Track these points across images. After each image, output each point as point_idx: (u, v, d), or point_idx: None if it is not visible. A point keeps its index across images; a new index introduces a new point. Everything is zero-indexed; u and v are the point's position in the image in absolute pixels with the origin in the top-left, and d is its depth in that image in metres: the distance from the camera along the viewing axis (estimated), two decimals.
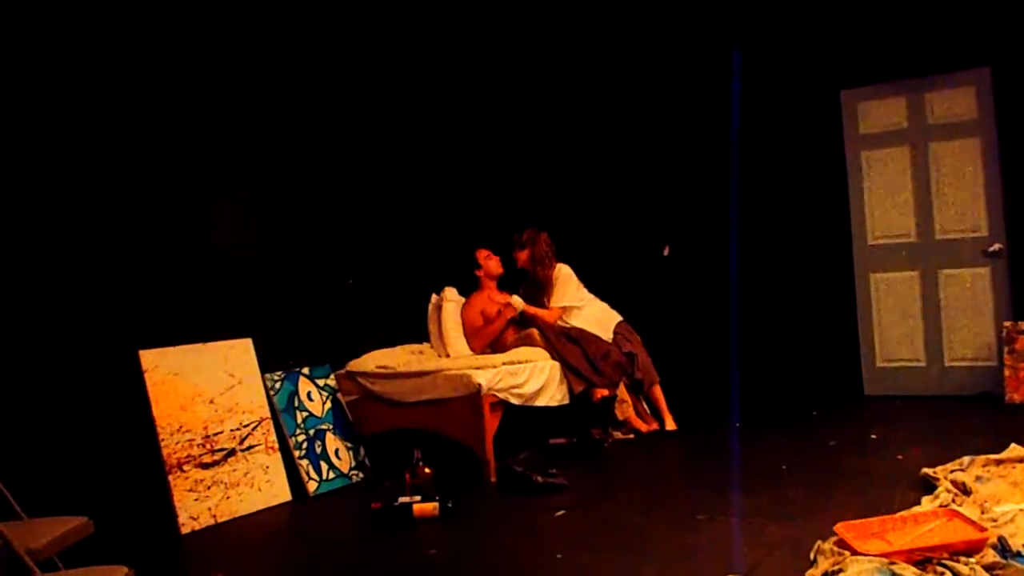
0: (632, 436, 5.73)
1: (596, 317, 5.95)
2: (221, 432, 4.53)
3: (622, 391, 5.75)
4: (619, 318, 6.03)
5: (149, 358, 4.32)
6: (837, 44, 6.55)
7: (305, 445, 4.92)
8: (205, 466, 4.39)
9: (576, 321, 5.86)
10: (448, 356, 5.65)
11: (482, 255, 6.03)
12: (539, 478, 4.49)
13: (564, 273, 5.97)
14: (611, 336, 5.85)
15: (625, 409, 5.78)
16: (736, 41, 6.88)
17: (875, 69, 6.43)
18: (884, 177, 6.48)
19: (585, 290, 6.07)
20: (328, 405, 5.19)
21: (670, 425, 5.83)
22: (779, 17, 6.76)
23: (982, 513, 3.28)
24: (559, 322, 5.84)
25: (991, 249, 6.10)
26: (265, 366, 4.89)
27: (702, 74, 7.10)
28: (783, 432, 5.55)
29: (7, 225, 3.88)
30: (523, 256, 6.05)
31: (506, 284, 6.07)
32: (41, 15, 4.03)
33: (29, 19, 3.99)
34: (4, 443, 3.55)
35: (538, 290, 5.97)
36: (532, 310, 5.84)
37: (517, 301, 5.82)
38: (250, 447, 4.64)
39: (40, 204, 4.02)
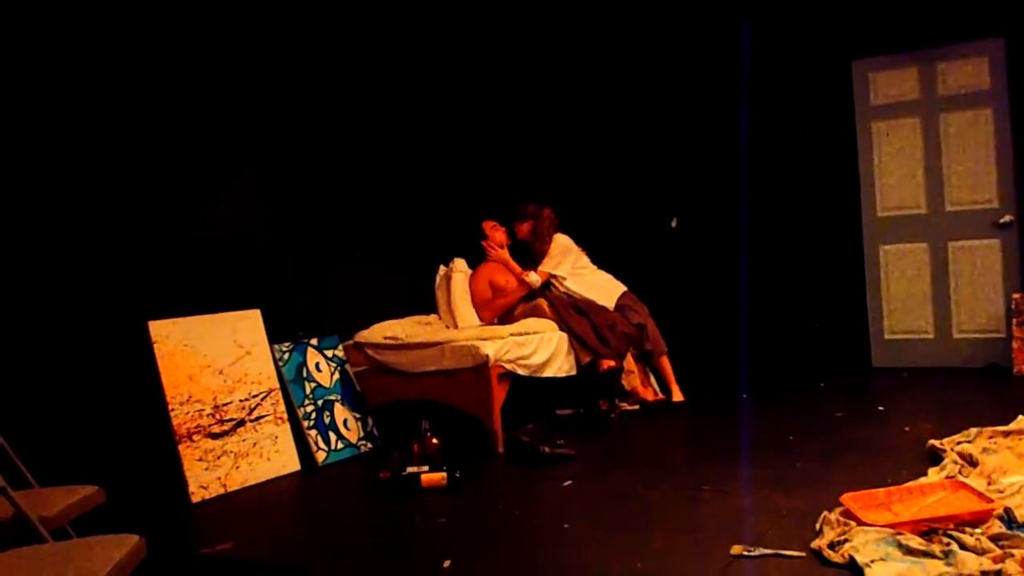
0: (638, 407, 5.74)
1: (600, 286, 5.94)
2: (230, 402, 4.56)
3: (628, 361, 5.75)
4: (624, 289, 6.01)
5: (158, 329, 4.34)
6: (848, 14, 6.48)
7: (314, 415, 4.94)
8: (215, 436, 4.42)
9: (579, 288, 5.85)
10: (456, 327, 5.66)
11: (488, 226, 6.03)
12: (546, 449, 4.51)
13: (560, 243, 5.96)
14: (613, 305, 5.84)
15: (631, 380, 5.78)
16: (746, 11, 6.81)
17: (887, 39, 6.37)
18: (895, 148, 6.43)
19: (587, 259, 6.07)
20: (336, 376, 5.21)
21: (677, 396, 5.84)
22: None
23: (988, 484, 3.29)
24: (561, 288, 5.84)
25: (1002, 221, 6.07)
26: (273, 337, 4.90)
27: (712, 44, 7.04)
28: (790, 404, 5.56)
29: (20, 199, 3.89)
30: (524, 228, 6.05)
31: (510, 254, 6.05)
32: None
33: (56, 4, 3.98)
34: (16, 413, 3.57)
35: (535, 264, 5.96)
36: (515, 268, 5.87)
37: (534, 278, 5.81)
38: (259, 417, 4.67)
39: (52, 178, 4.02)
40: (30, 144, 3.96)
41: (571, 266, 5.92)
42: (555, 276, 5.87)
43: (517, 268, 5.90)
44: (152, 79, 4.48)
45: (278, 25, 5.18)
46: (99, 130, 4.23)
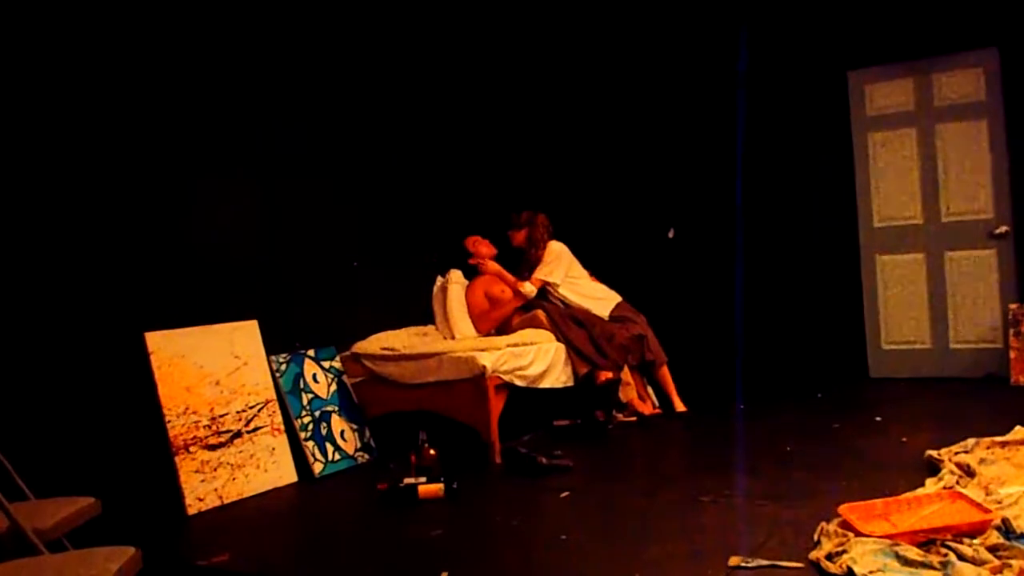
0: (635, 418, 5.73)
1: (594, 295, 5.94)
2: (227, 414, 4.55)
3: (625, 373, 5.75)
4: (619, 299, 6.01)
5: (155, 340, 4.33)
6: (844, 24, 6.51)
7: (311, 427, 4.93)
8: (211, 447, 4.40)
9: (573, 296, 5.85)
10: (453, 338, 5.65)
11: (470, 243, 6.04)
12: (543, 460, 4.51)
13: (554, 250, 5.96)
14: (608, 315, 5.84)
15: (628, 391, 5.78)
16: (743, 21, 6.83)
17: (882, 50, 6.40)
18: (891, 159, 6.46)
19: (581, 268, 6.06)
20: (333, 387, 5.20)
21: (679, 407, 5.81)
22: None
23: (986, 495, 3.29)
24: (555, 296, 5.84)
25: (997, 231, 6.08)
26: (271, 348, 4.90)
27: (708, 54, 7.06)
28: (788, 414, 5.55)
29: (15, 209, 3.89)
30: (519, 236, 6.06)
31: (502, 263, 6.05)
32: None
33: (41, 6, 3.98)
34: (12, 425, 3.57)
35: (530, 271, 5.97)
36: (508, 278, 5.88)
37: (529, 288, 5.81)
38: (256, 428, 4.66)
39: (47, 188, 4.02)
40: (25, 154, 3.95)
41: (564, 274, 5.92)
42: (549, 283, 5.88)
43: (511, 278, 5.91)
44: (149, 83, 4.48)
45: (277, 38, 5.19)
46: (94, 140, 4.23)
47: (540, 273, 5.88)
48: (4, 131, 3.87)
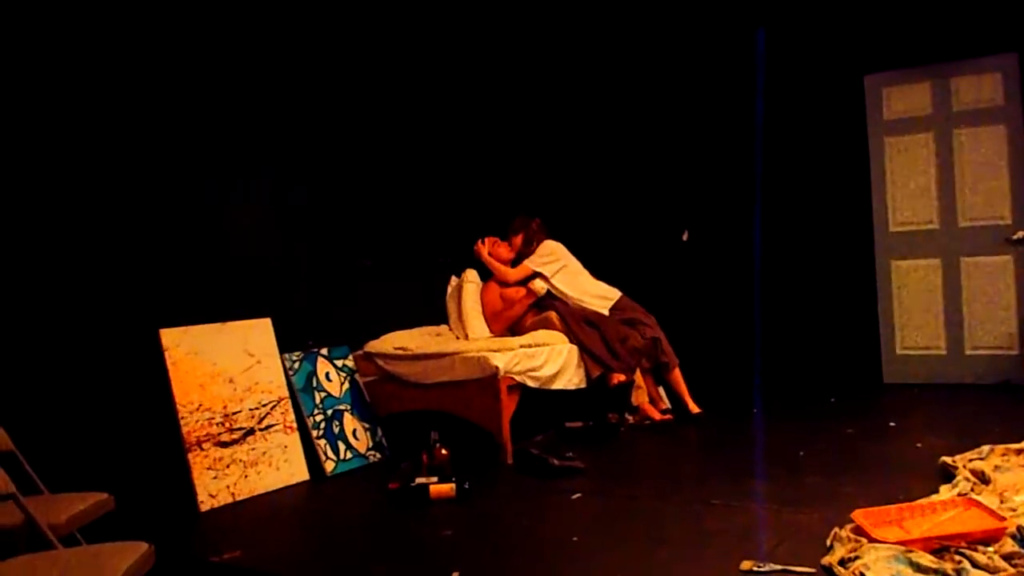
0: (647, 422, 5.71)
1: (594, 293, 5.92)
2: (240, 411, 4.56)
3: (637, 377, 5.73)
4: (619, 294, 5.97)
5: (170, 337, 4.35)
6: (861, 28, 6.48)
7: (323, 425, 4.95)
8: (224, 444, 4.42)
9: (568, 288, 5.83)
10: (467, 338, 5.66)
11: (487, 244, 6.04)
12: (555, 461, 4.50)
13: (548, 246, 5.99)
14: (608, 310, 5.82)
15: (639, 395, 5.76)
16: (760, 24, 6.81)
17: (900, 54, 6.37)
18: (907, 164, 6.42)
19: (581, 266, 6.05)
20: (346, 386, 5.22)
21: (693, 409, 5.78)
22: (803, 0, 6.70)
23: (1001, 502, 3.27)
24: (554, 288, 5.83)
25: (1015, 237, 6.04)
26: (284, 346, 4.91)
27: (725, 57, 7.05)
28: (801, 419, 5.53)
29: (32, 207, 3.91)
30: (517, 241, 6.08)
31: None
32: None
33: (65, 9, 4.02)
34: (27, 420, 3.58)
35: None
36: (493, 264, 5.93)
37: (539, 286, 5.81)
38: (268, 426, 4.67)
39: (64, 186, 4.05)
40: (41, 153, 3.98)
41: (558, 270, 5.92)
42: (540, 273, 5.88)
43: (498, 266, 5.92)
44: (166, 84, 4.50)
45: (292, 40, 5.21)
46: (111, 140, 4.26)
47: (530, 262, 5.90)
48: (25, 131, 3.90)
